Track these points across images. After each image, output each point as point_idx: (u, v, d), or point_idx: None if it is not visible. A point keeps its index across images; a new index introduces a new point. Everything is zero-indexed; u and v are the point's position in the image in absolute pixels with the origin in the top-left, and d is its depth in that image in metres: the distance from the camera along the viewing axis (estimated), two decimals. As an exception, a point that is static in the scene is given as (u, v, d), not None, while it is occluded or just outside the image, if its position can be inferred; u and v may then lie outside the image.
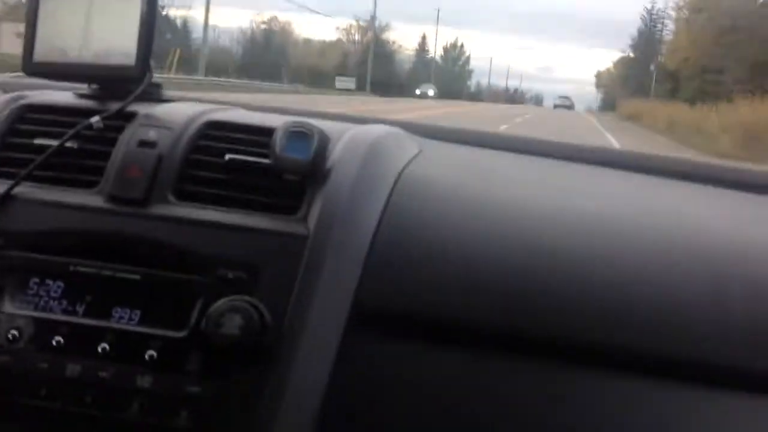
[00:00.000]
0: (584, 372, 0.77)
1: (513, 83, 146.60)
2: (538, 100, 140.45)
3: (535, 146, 1.23)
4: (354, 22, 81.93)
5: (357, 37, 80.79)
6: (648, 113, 36.86)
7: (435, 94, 62.37)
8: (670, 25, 65.72)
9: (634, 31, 75.95)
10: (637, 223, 0.89)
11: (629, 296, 0.78)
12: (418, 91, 62.15)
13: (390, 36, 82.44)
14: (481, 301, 0.78)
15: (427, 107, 30.93)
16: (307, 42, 77.94)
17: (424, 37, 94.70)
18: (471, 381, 0.77)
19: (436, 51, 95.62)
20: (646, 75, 66.27)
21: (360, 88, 58.21)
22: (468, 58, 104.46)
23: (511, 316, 0.78)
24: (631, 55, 76.87)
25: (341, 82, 58.20)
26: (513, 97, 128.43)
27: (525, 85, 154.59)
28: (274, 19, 72.23)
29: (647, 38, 72.21)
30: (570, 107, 79.11)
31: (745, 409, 0.76)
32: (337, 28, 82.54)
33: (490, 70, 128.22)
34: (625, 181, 1.12)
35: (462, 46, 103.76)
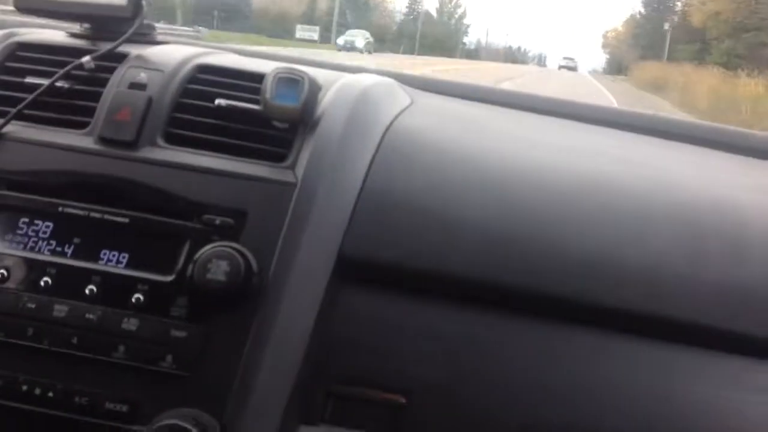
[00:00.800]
0: (559, 327, 0.78)
1: (514, 42, 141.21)
2: (541, 61, 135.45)
3: (529, 102, 1.22)
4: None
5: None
6: (674, 81, 27.58)
7: (368, 46, 43.46)
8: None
9: None
10: (623, 182, 0.90)
11: (607, 253, 0.79)
12: (341, 41, 44.03)
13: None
14: (463, 252, 0.79)
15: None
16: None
17: None
18: (451, 331, 0.78)
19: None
20: (658, 34, 59.23)
21: (326, 40, 47.56)
22: (464, 11, 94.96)
23: (491, 269, 0.79)
24: (642, 11, 70.13)
25: (302, 32, 47.95)
26: (514, 56, 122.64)
27: (528, 45, 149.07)
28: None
29: None
30: (574, 69, 77.68)
31: (722, 369, 0.77)
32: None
33: (487, 27, 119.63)
34: (617, 139, 1.12)
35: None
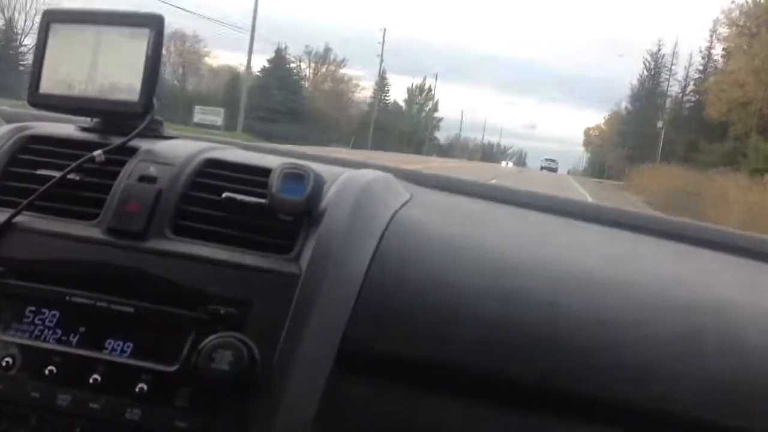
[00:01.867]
0: (560, 421, 0.79)
1: (493, 139, 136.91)
2: (520, 159, 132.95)
3: (522, 198, 1.25)
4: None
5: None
6: (692, 190, 20.18)
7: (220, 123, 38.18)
8: (680, 73, 57.36)
9: (630, 83, 65.42)
10: (616, 276, 0.92)
11: (604, 346, 0.80)
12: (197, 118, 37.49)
13: (346, 72, 69.04)
14: (463, 343, 0.80)
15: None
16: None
17: (382, 75, 74.19)
18: (454, 425, 0.79)
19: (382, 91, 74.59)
20: (648, 132, 55.71)
21: (231, 127, 37.40)
22: (435, 104, 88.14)
23: (491, 359, 0.79)
24: (628, 107, 66.70)
25: (201, 114, 40.17)
26: (493, 153, 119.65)
27: (507, 141, 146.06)
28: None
29: (650, 89, 61.56)
30: (555, 170, 78.21)
31: None
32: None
33: (461, 119, 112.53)
34: (605, 236, 1.15)
35: (429, 89, 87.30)
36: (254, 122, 40.59)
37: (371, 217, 0.90)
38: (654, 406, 0.77)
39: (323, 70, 65.16)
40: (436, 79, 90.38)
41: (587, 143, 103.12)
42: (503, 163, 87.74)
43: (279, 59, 50.18)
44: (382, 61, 64.74)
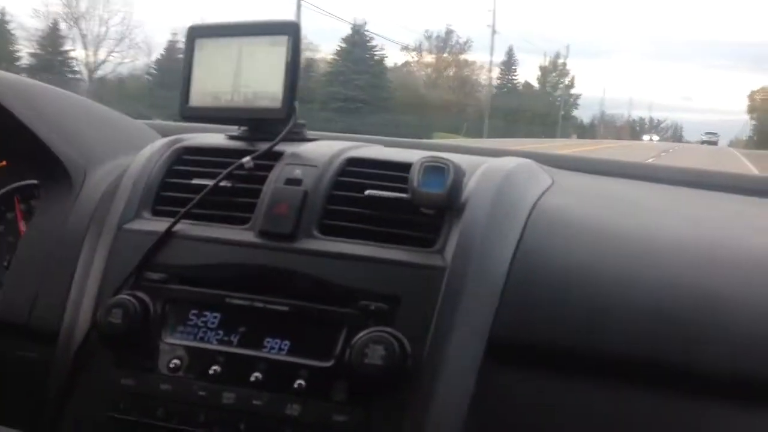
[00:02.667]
0: (720, 405, 0.76)
1: (644, 114, 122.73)
2: (676, 134, 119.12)
3: (668, 174, 1.21)
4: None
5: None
6: None
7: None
8: None
9: None
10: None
11: (763, 328, 0.77)
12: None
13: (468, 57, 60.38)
14: (615, 331, 0.79)
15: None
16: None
17: (510, 53, 65.33)
18: (605, 412, 0.78)
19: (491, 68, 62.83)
20: None
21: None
22: (572, 79, 75.11)
23: (646, 347, 0.78)
24: None
25: None
26: (645, 129, 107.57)
27: (660, 115, 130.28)
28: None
29: None
30: (715, 143, 69.57)
31: None
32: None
33: (603, 96, 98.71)
34: (755, 207, 1.10)
35: (565, 65, 74.64)
36: (332, 114, 33.55)
37: (513, 206, 0.90)
38: None
39: (445, 55, 58.91)
40: (567, 51, 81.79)
41: (752, 109, 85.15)
42: (645, 138, 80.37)
43: (356, 38, 39.99)
44: (493, 32, 54.47)
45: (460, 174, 0.86)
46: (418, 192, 0.85)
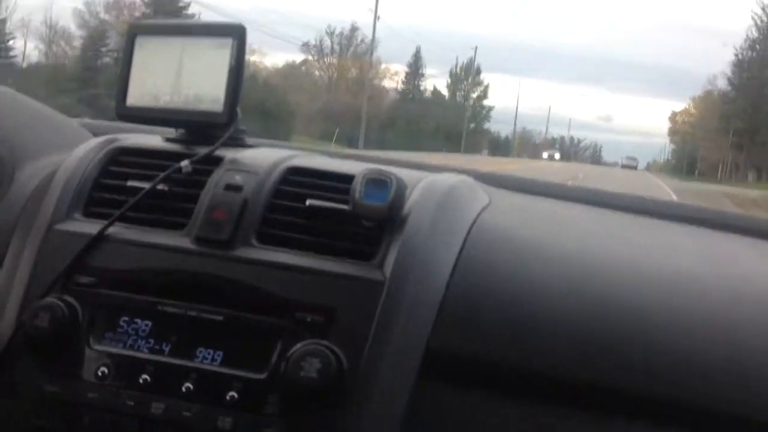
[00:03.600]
0: (647, 427, 0.78)
1: (563, 131, 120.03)
2: (595, 155, 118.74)
3: (601, 198, 1.24)
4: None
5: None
6: None
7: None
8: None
9: (736, 48, 48.08)
10: (701, 277, 0.90)
11: (695, 352, 0.78)
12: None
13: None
14: (546, 349, 0.80)
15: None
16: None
17: (417, 55, 60.94)
18: (538, 431, 0.79)
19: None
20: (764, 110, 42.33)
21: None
22: (485, 89, 69.20)
23: (575, 366, 0.79)
24: (732, 80, 49.35)
25: None
26: (563, 148, 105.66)
27: (580, 134, 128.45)
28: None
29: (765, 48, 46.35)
30: (635, 167, 71.02)
31: None
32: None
33: (517, 113, 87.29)
34: (684, 234, 1.13)
35: (478, 71, 68.56)
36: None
37: (453, 222, 0.90)
38: (742, 411, 0.76)
39: (349, 55, 54.18)
40: (475, 54, 69.63)
41: (673, 132, 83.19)
42: (544, 155, 75.01)
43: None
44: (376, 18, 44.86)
45: (402, 187, 0.86)
46: (359, 204, 0.84)
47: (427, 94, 64.49)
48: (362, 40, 53.98)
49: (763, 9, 46.11)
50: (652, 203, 1.25)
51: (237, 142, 1.00)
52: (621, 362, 0.78)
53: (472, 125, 67.56)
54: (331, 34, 55.17)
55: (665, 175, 58.17)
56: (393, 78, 59.01)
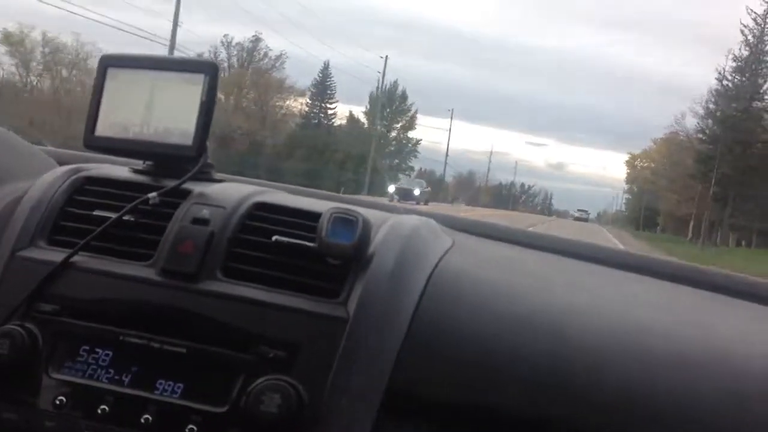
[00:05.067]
0: None
1: (509, 177, 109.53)
2: (545, 203, 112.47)
3: (559, 245, 1.26)
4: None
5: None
6: None
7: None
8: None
9: (719, 69, 37.97)
10: (652, 322, 0.93)
11: (644, 393, 0.80)
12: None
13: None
14: (505, 389, 0.81)
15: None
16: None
17: (324, 70, 51.42)
18: None
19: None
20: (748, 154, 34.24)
21: None
22: (412, 117, 57.41)
23: (533, 405, 0.80)
24: (713, 107, 39.19)
25: None
26: (512, 194, 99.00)
27: (529, 180, 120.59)
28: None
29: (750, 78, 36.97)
30: (586, 220, 66.88)
31: None
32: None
33: (447, 148, 72.39)
34: (635, 282, 1.16)
35: (403, 97, 56.72)
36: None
37: (417, 263, 0.92)
38: None
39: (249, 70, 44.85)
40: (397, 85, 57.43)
41: (632, 179, 71.45)
42: (449, 205, 53.15)
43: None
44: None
45: (368, 227, 0.87)
46: (325, 242, 0.85)
47: (339, 120, 53.52)
48: (266, 54, 45.96)
49: (755, 19, 37.14)
50: (604, 251, 1.29)
51: (205, 176, 1.01)
52: (574, 400, 0.80)
53: (396, 161, 57.27)
54: (227, 45, 46.13)
55: (621, 228, 52.24)
56: (297, 100, 48.76)
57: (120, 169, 1.04)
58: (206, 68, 0.99)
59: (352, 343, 0.82)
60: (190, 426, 0.80)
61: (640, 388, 0.80)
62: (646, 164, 63.37)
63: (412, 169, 59.08)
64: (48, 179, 0.98)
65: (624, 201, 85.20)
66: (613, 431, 0.79)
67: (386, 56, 46.29)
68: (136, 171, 1.03)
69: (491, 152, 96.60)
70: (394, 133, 56.59)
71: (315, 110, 51.61)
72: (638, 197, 68.61)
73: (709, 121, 40.41)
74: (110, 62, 1.03)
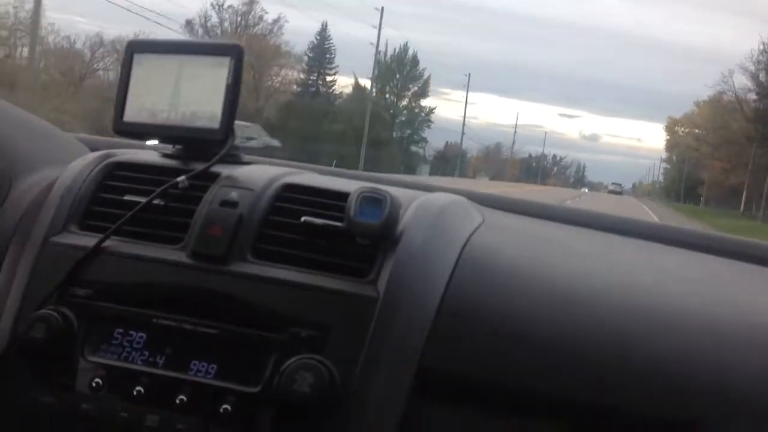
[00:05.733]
0: None
1: (541, 150, 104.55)
2: (578, 176, 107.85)
3: (591, 219, 1.26)
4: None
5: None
6: None
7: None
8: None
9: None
10: (689, 299, 0.92)
11: (684, 369, 0.80)
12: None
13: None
14: (536, 368, 0.81)
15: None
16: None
17: (322, 32, 44.92)
18: None
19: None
20: None
21: None
22: (425, 83, 49.42)
23: (564, 384, 0.80)
24: (753, 68, 35.88)
25: None
26: (541, 167, 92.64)
27: (561, 152, 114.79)
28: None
29: None
30: (620, 193, 63.13)
31: None
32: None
33: (465, 113, 62.99)
34: (671, 256, 1.14)
35: (415, 60, 48.82)
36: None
37: (447, 241, 0.92)
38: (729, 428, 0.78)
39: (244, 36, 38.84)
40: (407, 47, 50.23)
41: (672, 146, 64.24)
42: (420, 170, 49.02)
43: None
44: None
45: (396, 206, 0.87)
46: (354, 222, 0.85)
47: (341, 88, 46.93)
48: (261, 18, 40.97)
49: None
50: (640, 225, 1.27)
51: (233, 159, 1.01)
52: (608, 377, 0.80)
53: (408, 132, 49.36)
54: (219, 7, 40.85)
55: (660, 202, 46.69)
56: (294, 68, 43.53)
57: (150, 154, 1.05)
58: (232, 51, 0.99)
59: (382, 321, 0.82)
60: (225, 406, 0.80)
61: (674, 366, 0.80)
62: (687, 130, 58.48)
63: (425, 140, 51.42)
64: (79, 165, 0.99)
65: (662, 171, 78.56)
66: (648, 409, 0.79)
67: (382, 7, 39.27)
68: (165, 155, 1.04)
69: (516, 123, 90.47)
70: (405, 102, 49.19)
71: (313, 77, 45.86)
72: (677, 167, 63.39)
73: (761, 74, 36.89)
74: (136, 48, 1.04)
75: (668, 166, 70.03)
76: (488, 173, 65.98)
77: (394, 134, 43.80)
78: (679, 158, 62.17)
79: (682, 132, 60.52)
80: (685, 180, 57.82)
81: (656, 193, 68.62)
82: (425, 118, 50.83)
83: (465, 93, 58.97)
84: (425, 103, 51.18)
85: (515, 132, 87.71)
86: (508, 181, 55.21)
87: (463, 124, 61.67)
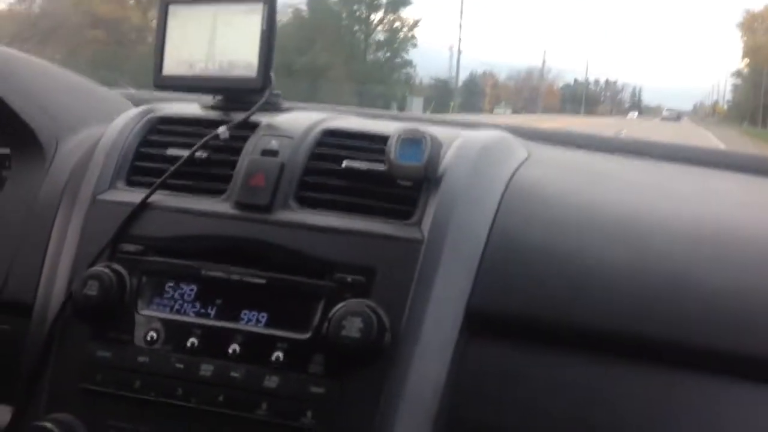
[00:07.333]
0: (693, 377, 0.78)
1: (583, 72, 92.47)
2: (635, 96, 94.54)
3: (643, 148, 1.22)
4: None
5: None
6: None
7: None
8: None
9: None
10: (747, 229, 0.89)
11: (740, 302, 0.78)
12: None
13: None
14: (587, 302, 0.80)
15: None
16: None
17: None
18: (581, 384, 0.79)
19: None
20: None
21: None
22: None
23: (616, 318, 0.79)
24: None
25: None
26: (581, 97, 76.47)
27: (615, 77, 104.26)
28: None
29: None
30: (677, 119, 54.32)
31: None
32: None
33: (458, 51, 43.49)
34: (734, 183, 1.11)
35: None
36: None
37: (490, 179, 0.90)
38: None
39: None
40: None
41: (752, 50, 48.28)
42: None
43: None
44: None
45: (437, 146, 0.86)
46: (395, 164, 0.85)
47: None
48: None
49: None
50: (696, 151, 1.23)
51: (272, 107, 1.01)
52: (659, 311, 0.79)
53: (387, 52, 35.18)
54: None
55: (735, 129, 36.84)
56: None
57: (191, 107, 1.05)
58: None
59: (428, 263, 0.82)
60: (276, 354, 0.81)
61: (728, 300, 0.78)
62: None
63: (410, 63, 36.48)
64: (121, 122, 1.00)
65: (731, 89, 62.89)
66: (703, 342, 0.77)
67: None
68: (206, 107, 1.04)
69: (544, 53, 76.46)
70: (379, 15, 34.61)
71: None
72: (753, 80, 47.05)
73: None
74: (170, 0, 1.03)
75: (739, 82, 56.14)
76: (510, 105, 53.29)
77: (369, 57, 33.49)
78: (753, 71, 47.84)
79: (766, 28, 46.50)
80: (765, 96, 44.46)
81: (724, 115, 56.69)
82: (407, 35, 35.21)
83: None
84: (407, 14, 38.35)
85: (544, 53, 75.16)
86: (539, 114, 45.47)
87: (459, 42, 49.63)
